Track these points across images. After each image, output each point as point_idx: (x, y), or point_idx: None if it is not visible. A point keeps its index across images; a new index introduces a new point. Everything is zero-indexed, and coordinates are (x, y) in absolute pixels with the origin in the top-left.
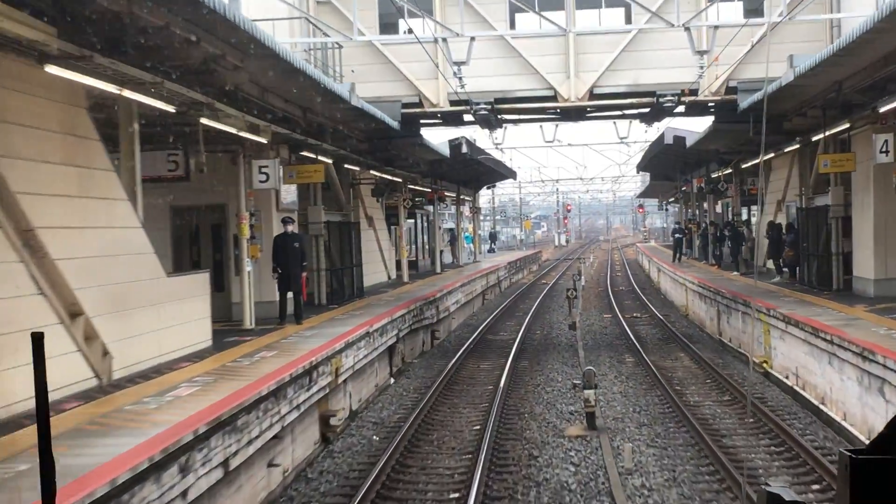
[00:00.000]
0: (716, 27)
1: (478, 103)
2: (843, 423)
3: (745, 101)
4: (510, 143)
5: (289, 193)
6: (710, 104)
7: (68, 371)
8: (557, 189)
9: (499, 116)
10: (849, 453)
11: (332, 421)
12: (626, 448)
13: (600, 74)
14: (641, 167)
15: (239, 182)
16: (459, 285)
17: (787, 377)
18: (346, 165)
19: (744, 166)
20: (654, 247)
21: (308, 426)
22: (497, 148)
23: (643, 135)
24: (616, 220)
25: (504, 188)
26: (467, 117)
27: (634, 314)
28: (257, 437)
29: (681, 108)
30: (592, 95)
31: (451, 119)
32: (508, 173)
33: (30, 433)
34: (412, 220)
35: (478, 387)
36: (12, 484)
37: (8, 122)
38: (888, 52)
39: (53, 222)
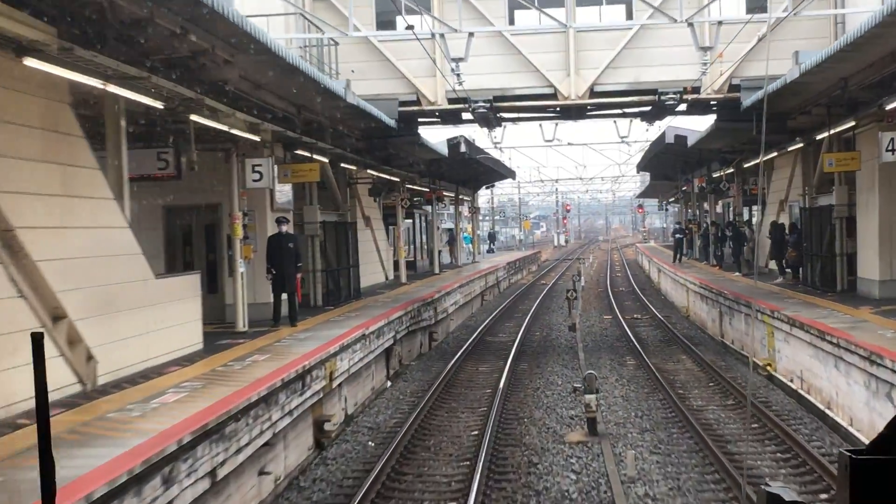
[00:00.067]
0: (719, 22)
1: (476, 101)
2: (850, 428)
3: (748, 99)
4: (509, 143)
5: (284, 193)
6: (712, 102)
7: (50, 377)
8: (557, 189)
9: (498, 115)
10: (848, 453)
11: (327, 426)
12: (628, 455)
13: (601, 72)
14: (641, 167)
15: (232, 181)
16: (458, 286)
17: (791, 380)
18: (342, 164)
19: (746, 166)
20: (653, 247)
21: (301, 432)
22: (496, 147)
23: (644, 134)
24: (615, 220)
25: (503, 188)
26: (466, 116)
27: (635, 315)
28: (247, 444)
29: (683, 107)
30: (593, 93)
31: (450, 117)
32: (507, 173)
33: (5, 441)
34: (410, 221)
35: (476, 390)
36: None
37: None
38: None
39: (34, 222)
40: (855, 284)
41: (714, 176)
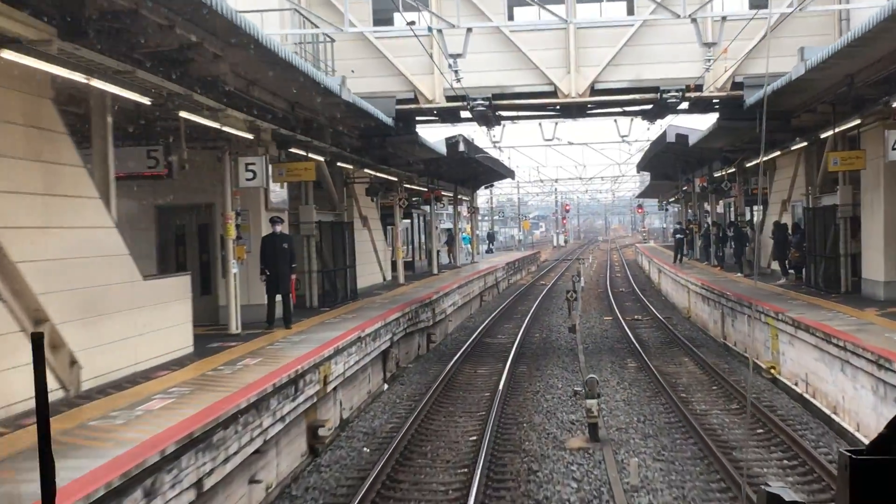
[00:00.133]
0: (723, 18)
1: (475, 99)
2: (857, 434)
3: (751, 97)
4: (508, 143)
5: (278, 192)
6: (714, 101)
7: (30, 382)
8: (556, 189)
9: (497, 113)
10: (848, 454)
11: (321, 432)
12: (631, 463)
13: (602, 69)
14: (642, 166)
15: (225, 180)
16: (456, 287)
17: (796, 384)
18: (339, 164)
19: (748, 165)
20: (653, 247)
21: (294, 438)
22: (495, 147)
23: (644, 133)
24: (614, 220)
25: (502, 188)
26: (464, 114)
27: (635, 316)
28: (236, 453)
29: (684, 105)
30: (593, 91)
31: (448, 116)
32: (506, 172)
33: None
34: (408, 221)
35: (474, 393)
36: None
37: None
38: None
39: (14, 222)
40: (859, 285)
41: (715, 175)
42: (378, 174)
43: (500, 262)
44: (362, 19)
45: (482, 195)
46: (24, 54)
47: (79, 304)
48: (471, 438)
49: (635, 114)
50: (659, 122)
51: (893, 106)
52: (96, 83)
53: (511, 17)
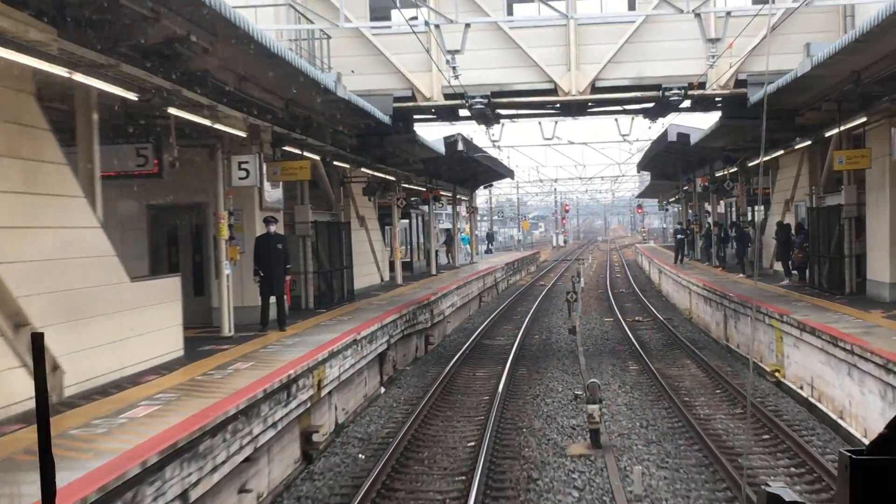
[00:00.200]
0: (728, 13)
1: (473, 97)
2: (865, 439)
3: (755, 95)
4: (508, 142)
5: (273, 192)
6: (717, 99)
7: (11, 389)
8: (556, 189)
9: (496, 111)
10: (848, 454)
11: (315, 437)
12: (635, 471)
13: (603, 67)
14: (642, 166)
15: (217, 179)
16: (455, 288)
17: (801, 388)
18: (335, 163)
19: (750, 164)
20: (653, 247)
21: (287, 444)
22: (494, 146)
23: (645, 133)
24: (614, 220)
25: (501, 188)
26: (463, 112)
27: (636, 318)
28: (224, 462)
29: (687, 103)
30: (594, 89)
31: (446, 114)
32: (506, 172)
33: None
34: (406, 221)
35: (473, 397)
36: None
37: None
38: None
39: None
40: (864, 287)
41: (717, 175)
42: (376, 174)
43: (500, 262)
44: (359, 15)
45: (481, 195)
46: (2, 46)
47: (61, 306)
48: (469, 444)
49: (636, 112)
50: (661, 120)
51: None
52: (79, 77)
53: (510, 13)
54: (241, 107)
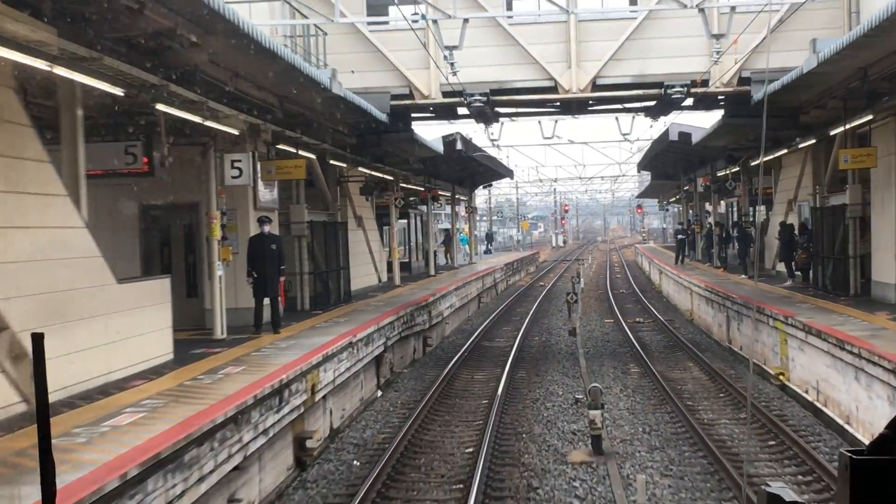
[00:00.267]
0: (732, 8)
1: (472, 95)
2: None
3: (758, 93)
4: (507, 141)
5: (268, 191)
6: (720, 97)
7: None
8: (555, 189)
9: (495, 109)
10: (849, 454)
11: (309, 443)
12: (638, 479)
13: (604, 64)
14: (642, 166)
15: (210, 178)
16: (454, 288)
17: (806, 391)
18: (332, 162)
19: (753, 164)
20: (653, 248)
21: (280, 451)
22: (493, 145)
23: (646, 132)
24: (613, 220)
25: (501, 188)
26: (461, 111)
27: (637, 319)
28: (212, 471)
29: (689, 102)
30: (595, 87)
31: (444, 112)
32: (505, 172)
33: None
34: (405, 221)
35: (472, 400)
36: None
37: None
38: None
39: None
40: (868, 288)
41: (719, 175)
42: (373, 173)
43: (499, 262)
44: (355, 11)
45: (480, 195)
46: None
47: (43, 309)
48: (467, 450)
49: (638, 110)
50: (662, 119)
51: None
52: (60, 71)
53: (510, 8)
54: (234, 104)
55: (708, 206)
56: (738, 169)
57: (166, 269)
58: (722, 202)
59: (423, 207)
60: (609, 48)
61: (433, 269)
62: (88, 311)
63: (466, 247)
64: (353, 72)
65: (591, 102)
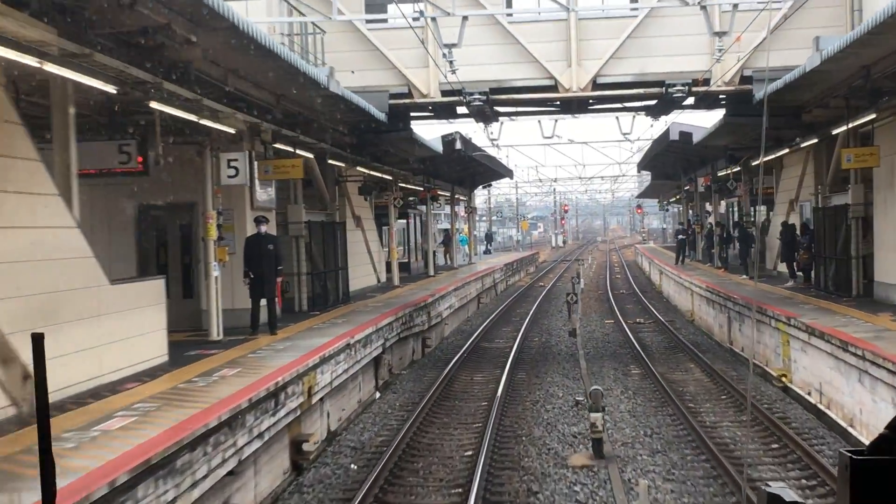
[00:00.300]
0: (735, 5)
1: (472, 93)
2: None
3: (760, 91)
4: (507, 141)
5: (266, 191)
6: (721, 96)
7: None
8: (555, 189)
9: (494, 108)
10: (849, 454)
11: (305, 447)
12: (641, 485)
13: (604, 63)
14: (643, 166)
15: (206, 177)
16: (453, 289)
17: (809, 393)
18: (330, 161)
19: (754, 163)
20: (653, 248)
21: (276, 454)
22: (493, 145)
23: (647, 131)
24: (613, 220)
25: (500, 188)
26: (461, 110)
27: (637, 320)
28: (205, 476)
29: (690, 101)
30: (595, 85)
31: (443, 111)
32: (505, 172)
33: None
34: (404, 221)
35: (471, 403)
36: None
37: None
38: None
39: None
40: (871, 289)
41: (720, 174)
42: (372, 173)
43: (499, 263)
44: (354, 9)
45: (480, 195)
46: None
47: (33, 311)
48: (466, 453)
49: (638, 109)
50: (663, 118)
51: None
52: (50, 67)
53: (509, 6)
54: (230, 103)
55: (708, 206)
56: (739, 169)
57: (163, 270)
58: (722, 202)
59: (423, 207)
60: (610, 46)
61: (432, 269)
62: (80, 312)
63: (466, 247)
64: (353, 72)
65: (591, 101)
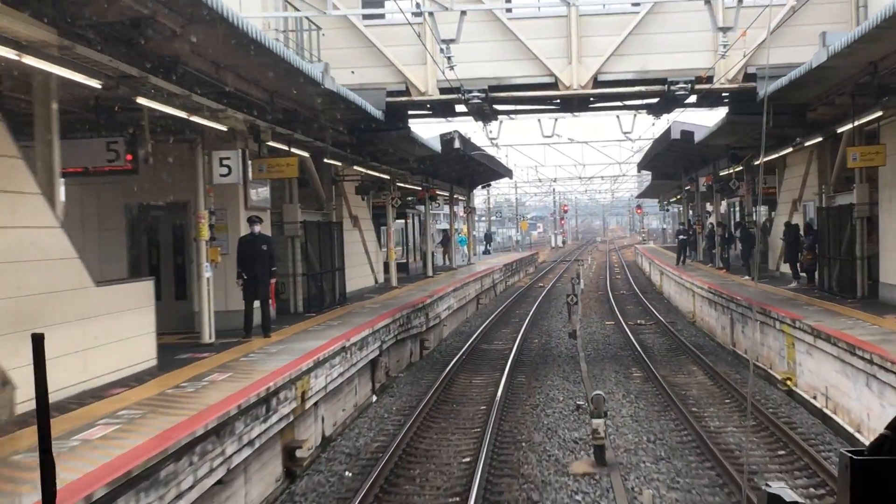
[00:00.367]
0: (739, 0)
1: (470, 91)
2: None
3: (764, 89)
4: (506, 140)
5: (260, 190)
6: (724, 94)
7: None
8: (554, 189)
9: (493, 106)
10: (849, 454)
11: (299, 453)
12: (645, 495)
13: (605, 60)
14: (643, 165)
15: (198, 176)
16: (452, 290)
17: (814, 397)
18: (326, 160)
19: (756, 163)
20: (653, 248)
21: (268, 462)
22: (492, 144)
23: (648, 130)
24: (612, 221)
25: (500, 188)
26: (459, 108)
27: (638, 321)
28: (191, 487)
29: (693, 98)
30: (596, 83)
31: (442, 109)
32: (504, 171)
33: None
34: (402, 221)
35: (469, 406)
36: None
37: None
38: None
39: None
40: (876, 290)
41: (722, 174)
42: (369, 172)
43: (498, 263)
44: (350, 4)
45: (479, 195)
46: None
47: (12, 314)
48: (464, 460)
49: (640, 108)
50: (665, 117)
51: None
52: (29, 60)
53: (509, 1)
54: (222, 99)
55: (709, 206)
56: (741, 168)
57: (154, 271)
58: (723, 202)
59: (421, 207)
60: (611, 43)
61: (431, 270)
62: (63, 315)
63: (465, 247)
64: (353, 72)
65: (592, 99)
